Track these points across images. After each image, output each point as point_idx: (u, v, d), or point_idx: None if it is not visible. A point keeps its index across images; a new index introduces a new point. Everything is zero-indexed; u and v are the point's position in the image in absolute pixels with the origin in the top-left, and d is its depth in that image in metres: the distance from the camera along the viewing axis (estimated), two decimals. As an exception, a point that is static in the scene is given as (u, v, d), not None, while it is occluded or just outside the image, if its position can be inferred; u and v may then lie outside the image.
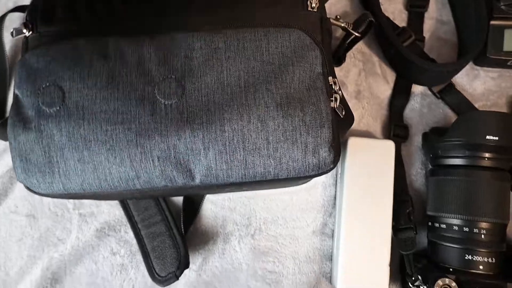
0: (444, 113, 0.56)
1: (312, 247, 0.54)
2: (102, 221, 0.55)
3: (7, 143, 0.40)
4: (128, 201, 0.52)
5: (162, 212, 0.51)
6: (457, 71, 0.54)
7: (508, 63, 0.54)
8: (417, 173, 0.54)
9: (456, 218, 0.46)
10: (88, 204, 0.56)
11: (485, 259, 0.44)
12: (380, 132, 0.56)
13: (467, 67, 0.56)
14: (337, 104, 0.39)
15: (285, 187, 0.53)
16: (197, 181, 0.37)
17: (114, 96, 0.36)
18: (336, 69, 0.56)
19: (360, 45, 0.57)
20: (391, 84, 0.57)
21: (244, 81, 0.37)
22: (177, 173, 0.37)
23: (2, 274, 0.53)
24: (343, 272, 0.50)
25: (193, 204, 0.54)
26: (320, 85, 0.38)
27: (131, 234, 0.54)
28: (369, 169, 0.51)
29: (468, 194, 0.46)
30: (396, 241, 0.50)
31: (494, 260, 0.45)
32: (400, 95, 0.56)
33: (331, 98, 0.39)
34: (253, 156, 0.37)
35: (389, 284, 0.52)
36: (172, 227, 0.51)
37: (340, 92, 0.40)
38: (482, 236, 0.45)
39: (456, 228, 0.46)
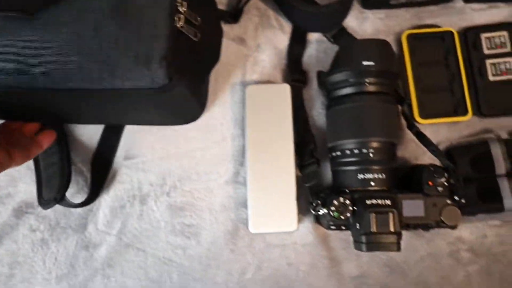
0: (341, 56, 0.59)
1: (227, 196, 0.55)
2: (19, 200, 0.56)
3: None
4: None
5: (61, 147, 0.53)
6: (341, 12, 0.57)
7: (391, 2, 0.58)
8: (318, 114, 0.56)
9: (349, 143, 0.48)
10: (4, 185, 0.56)
11: (376, 176, 0.47)
12: (281, 80, 0.58)
13: (356, 11, 0.59)
14: (181, 24, 0.41)
15: (155, 122, 0.56)
16: (40, 82, 0.40)
17: None
18: (235, 26, 0.59)
19: (254, 1, 0.60)
20: (288, 35, 0.59)
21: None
22: (19, 72, 0.40)
23: None
24: (253, 215, 0.51)
25: (107, 152, 0.56)
26: (163, 3, 0.40)
27: (50, 209, 0.54)
28: (269, 113, 0.53)
29: (356, 118, 0.48)
30: (302, 177, 0.52)
31: (384, 175, 0.47)
32: (297, 44, 0.59)
33: (175, 17, 0.41)
34: (88, 60, 0.39)
35: (302, 220, 0.54)
36: (63, 158, 0.53)
37: (190, 16, 0.42)
38: (371, 155, 0.47)
39: (349, 152, 0.48)
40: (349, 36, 0.58)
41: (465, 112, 0.55)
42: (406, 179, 0.50)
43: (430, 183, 0.46)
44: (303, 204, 0.53)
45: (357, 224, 0.44)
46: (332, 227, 0.47)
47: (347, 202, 0.45)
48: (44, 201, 0.52)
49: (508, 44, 0.56)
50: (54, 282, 0.54)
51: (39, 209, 0.55)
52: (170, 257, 0.54)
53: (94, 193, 0.55)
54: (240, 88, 0.57)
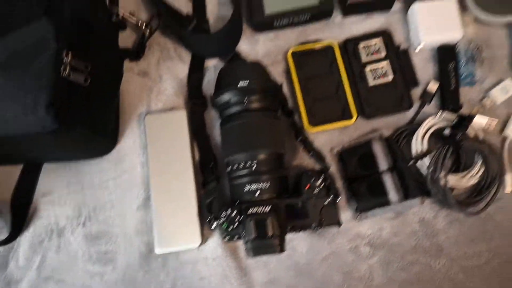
0: (238, 78, 0.64)
1: (140, 221, 0.58)
2: None
3: None
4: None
5: None
6: (231, 38, 0.62)
7: (275, 24, 0.63)
8: (219, 134, 0.61)
9: (237, 157, 0.52)
10: None
11: (261, 186, 0.50)
12: (183, 106, 0.62)
13: (248, 35, 0.65)
14: (67, 73, 0.45)
15: (68, 157, 0.60)
16: None
17: None
18: (140, 64, 0.64)
19: (155, 37, 0.65)
20: (188, 64, 0.64)
21: None
22: None
23: None
24: (158, 236, 0.55)
25: (25, 191, 0.59)
26: (47, 55, 0.45)
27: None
28: (167, 139, 0.58)
29: (241, 134, 0.53)
30: (203, 194, 0.56)
31: (270, 184, 0.51)
32: (195, 71, 0.63)
33: (60, 68, 0.45)
34: None
35: (212, 235, 0.57)
36: None
37: (76, 64, 0.46)
38: (255, 166, 0.51)
39: (237, 166, 0.52)
40: (241, 59, 0.63)
41: (350, 116, 0.60)
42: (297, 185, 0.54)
43: (307, 186, 0.50)
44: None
45: (243, 233, 0.48)
46: (227, 238, 0.51)
47: (234, 213, 0.49)
48: None
49: (383, 50, 0.62)
50: (-21, 322, 0.56)
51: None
52: (89, 285, 0.57)
53: (15, 232, 0.58)
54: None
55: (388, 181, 0.55)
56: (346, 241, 0.57)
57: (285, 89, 0.62)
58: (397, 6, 0.65)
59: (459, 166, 0.58)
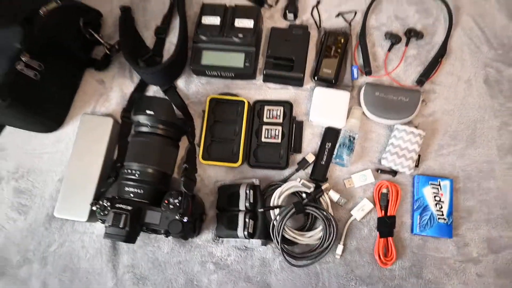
0: (168, 105, 0.80)
1: (56, 190, 0.76)
2: None
3: None
4: None
5: None
6: (170, 75, 0.79)
7: (207, 73, 0.79)
8: (135, 143, 0.77)
9: (129, 164, 0.68)
10: None
11: (135, 190, 0.66)
12: (119, 114, 0.79)
13: (187, 75, 0.81)
14: (20, 67, 0.63)
15: (15, 125, 0.78)
16: None
17: None
18: (101, 74, 0.82)
19: (119, 56, 0.83)
20: (135, 84, 0.81)
21: None
22: None
23: None
24: (59, 204, 0.71)
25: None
26: (10, 52, 0.63)
27: None
28: (92, 136, 0.75)
29: (139, 148, 0.69)
30: (101, 184, 0.72)
31: (143, 191, 0.66)
32: (137, 92, 0.81)
33: (17, 62, 0.63)
34: None
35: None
36: None
37: (30, 62, 0.65)
38: (136, 175, 0.67)
39: (127, 171, 0.68)
40: (174, 92, 0.80)
41: (237, 161, 0.74)
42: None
43: (166, 201, 0.65)
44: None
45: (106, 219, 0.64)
46: (100, 221, 0.67)
47: (107, 204, 0.65)
48: None
49: (281, 117, 0.76)
50: None
51: None
52: (3, 225, 0.75)
53: (-31, 171, 0.77)
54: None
55: (241, 220, 0.68)
56: (199, 255, 0.72)
57: (198, 125, 0.78)
58: (310, 85, 0.79)
59: (305, 226, 0.71)
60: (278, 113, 0.77)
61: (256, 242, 0.68)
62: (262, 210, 0.69)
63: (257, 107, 0.77)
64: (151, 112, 0.69)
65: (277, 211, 0.69)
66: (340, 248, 0.69)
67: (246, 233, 0.68)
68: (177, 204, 0.65)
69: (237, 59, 0.78)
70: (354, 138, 0.73)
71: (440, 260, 0.68)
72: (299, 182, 0.71)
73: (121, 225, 0.62)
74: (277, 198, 0.71)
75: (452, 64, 0.77)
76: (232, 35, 0.77)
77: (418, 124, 0.73)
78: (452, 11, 0.79)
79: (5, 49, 0.64)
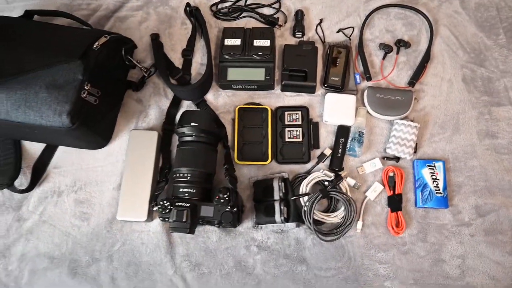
0: (201, 117, 0.93)
1: (112, 198, 0.87)
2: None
3: None
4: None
5: (16, 152, 0.89)
6: (201, 91, 0.92)
7: (233, 87, 0.93)
8: (177, 151, 0.90)
9: (181, 169, 0.81)
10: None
11: (190, 190, 0.79)
12: (160, 129, 0.92)
13: (214, 89, 0.94)
14: (85, 95, 0.75)
15: (74, 145, 0.89)
16: (2, 116, 0.74)
17: None
18: (138, 94, 0.94)
19: (152, 78, 0.95)
20: (170, 100, 0.94)
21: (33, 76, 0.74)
22: None
23: None
24: (120, 208, 0.83)
25: (43, 162, 0.90)
26: (75, 83, 0.74)
27: (0, 194, 0.87)
28: (142, 148, 0.87)
29: (186, 156, 0.82)
30: (155, 188, 0.85)
31: (195, 191, 0.79)
32: (173, 107, 0.93)
33: (82, 91, 0.75)
34: (29, 108, 0.73)
35: (156, 217, 0.85)
36: (17, 159, 0.88)
37: (91, 90, 0.76)
38: (189, 177, 0.79)
39: (179, 174, 0.81)
40: (205, 105, 0.93)
41: (267, 159, 0.88)
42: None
43: (217, 197, 0.78)
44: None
45: (170, 216, 0.76)
46: (161, 218, 0.79)
47: (167, 204, 0.77)
48: None
49: (300, 119, 0.90)
50: (-6, 240, 0.85)
51: (-8, 192, 0.87)
52: (69, 232, 0.85)
53: (31, 187, 0.88)
54: (132, 130, 0.91)
55: (277, 207, 0.82)
56: (243, 241, 0.85)
57: (229, 131, 0.91)
58: (320, 91, 0.94)
59: (330, 208, 0.86)
60: (297, 117, 0.91)
61: (290, 225, 0.82)
62: (294, 198, 0.83)
63: (279, 112, 0.92)
64: (195, 124, 0.82)
65: (305, 198, 0.84)
66: (359, 223, 0.84)
67: (282, 218, 0.81)
68: (226, 198, 0.78)
69: (258, 74, 0.92)
70: (362, 133, 0.88)
71: (440, 226, 0.84)
72: (322, 172, 0.86)
73: (184, 219, 0.75)
74: (305, 187, 0.85)
75: (435, 67, 0.94)
76: (252, 53, 0.91)
77: (413, 118, 0.89)
78: (432, 23, 0.96)
79: (71, 81, 0.75)
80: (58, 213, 0.87)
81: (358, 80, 0.93)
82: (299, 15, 0.98)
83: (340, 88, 0.91)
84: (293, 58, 0.93)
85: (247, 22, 1.00)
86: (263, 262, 0.84)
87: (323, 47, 0.97)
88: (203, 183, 0.81)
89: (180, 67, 0.96)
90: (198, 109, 0.92)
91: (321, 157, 0.89)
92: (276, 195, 0.83)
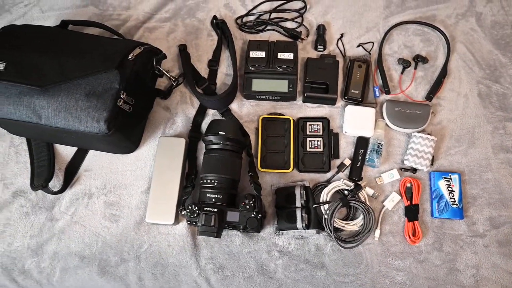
0: (226, 125, 0.97)
1: (140, 201, 0.91)
2: (17, 187, 0.93)
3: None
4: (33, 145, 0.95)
5: (49, 155, 0.93)
6: (227, 100, 0.96)
7: (257, 97, 0.97)
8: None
9: (208, 176, 0.85)
10: (9, 177, 0.93)
11: (217, 196, 0.83)
12: (186, 135, 0.96)
13: (239, 99, 0.99)
14: (120, 103, 0.79)
15: (105, 150, 0.94)
16: (43, 122, 0.78)
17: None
18: (166, 102, 0.98)
19: (180, 87, 0.99)
20: (196, 109, 0.98)
21: (74, 84, 0.79)
22: (33, 115, 0.78)
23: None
24: (149, 212, 0.87)
25: (75, 165, 0.94)
26: (112, 92, 0.79)
27: (34, 194, 0.91)
28: (169, 154, 0.91)
29: (213, 163, 0.85)
30: (183, 193, 0.88)
31: (222, 196, 0.83)
32: (199, 115, 0.97)
33: (117, 100, 0.79)
34: (69, 115, 0.77)
35: (183, 221, 0.89)
36: (50, 162, 0.92)
37: (126, 99, 0.80)
38: (216, 183, 0.83)
39: (206, 180, 0.84)
40: (230, 114, 0.97)
41: (289, 168, 0.91)
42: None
43: (243, 203, 0.82)
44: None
45: (198, 220, 0.80)
46: (188, 222, 0.83)
47: (195, 208, 0.81)
48: (34, 186, 0.90)
49: (320, 130, 0.94)
50: (28, 238, 0.89)
51: (28, 194, 0.92)
52: (99, 232, 0.89)
53: (63, 188, 0.92)
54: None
55: (298, 214, 0.86)
56: (265, 245, 0.88)
57: (253, 139, 0.95)
58: (340, 103, 0.97)
59: (349, 216, 0.89)
60: (318, 127, 0.95)
61: (311, 232, 0.86)
62: (315, 206, 0.87)
63: (301, 123, 0.95)
64: (223, 132, 0.86)
65: (326, 206, 0.87)
66: (377, 232, 0.88)
67: (303, 225, 0.85)
68: (252, 204, 0.82)
69: (282, 85, 0.96)
70: (381, 145, 0.92)
71: (455, 236, 0.88)
72: (342, 181, 0.89)
73: (212, 224, 0.79)
74: (325, 195, 0.88)
75: (452, 83, 0.98)
76: (276, 65, 0.96)
77: (430, 131, 0.93)
78: (449, 39, 0.99)
79: (108, 90, 0.79)
80: (88, 214, 0.91)
81: (377, 94, 0.97)
82: (321, 30, 1.02)
83: (360, 100, 0.95)
84: (315, 71, 0.97)
85: (271, 35, 1.04)
86: (284, 266, 0.87)
87: (343, 61, 1.01)
88: (229, 189, 0.85)
89: (206, 76, 1.01)
90: (224, 118, 0.96)
91: (341, 166, 0.92)
92: (298, 203, 0.87)
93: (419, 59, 0.99)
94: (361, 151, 0.92)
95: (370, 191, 0.90)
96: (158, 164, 0.90)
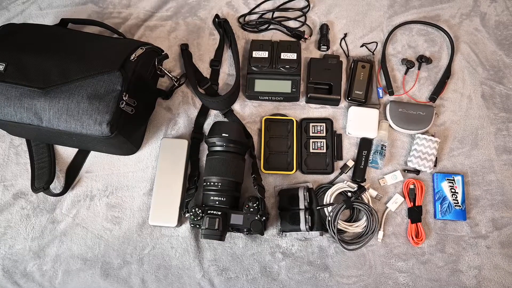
0: (228, 126, 0.96)
1: (142, 203, 0.91)
2: (17, 189, 0.92)
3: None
4: (33, 147, 0.93)
5: (50, 157, 0.92)
6: (229, 101, 0.95)
7: (260, 98, 0.96)
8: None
9: (211, 178, 0.84)
10: (9, 179, 0.92)
11: (220, 198, 0.82)
12: (188, 137, 0.95)
13: (241, 100, 0.98)
14: (123, 106, 0.78)
15: (107, 151, 0.93)
16: (44, 124, 0.77)
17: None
18: (167, 102, 0.97)
19: (181, 87, 0.98)
20: (198, 110, 0.97)
21: (76, 85, 0.78)
22: (34, 117, 0.77)
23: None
24: (151, 214, 0.86)
25: (76, 166, 0.93)
26: (115, 94, 0.77)
27: (35, 196, 0.90)
28: (172, 156, 0.90)
29: (216, 165, 0.85)
30: (186, 195, 0.88)
31: (225, 199, 0.82)
32: (201, 116, 0.97)
33: (120, 102, 0.78)
34: (70, 117, 0.76)
35: (186, 222, 0.89)
36: (51, 164, 0.91)
37: (128, 101, 0.79)
38: (219, 186, 0.83)
39: (210, 183, 0.84)
40: (232, 115, 0.96)
41: (292, 169, 0.91)
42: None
43: (247, 205, 0.81)
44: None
45: (202, 224, 0.80)
46: (192, 225, 0.82)
47: (199, 211, 0.80)
48: (35, 189, 0.88)
49: (324, 131, 0.94)
50: (30, 241, 0.89)
51: (29, 195, 0.91)
52: (101, 235, 0.89)
53: (64, 190, 0.91)
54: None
55: (302, 216, 0.86)
56: (269, 247, 0.88)
57: (256, 141, 0.94)
58: (344, 104, 0.97)
59: (352, 217, 0.89)
60: (322, 129, 0.94)
61: (315, 233, 0.86)
62: (319, 207, 0.87)
63: (304, 124, 0.95)
64: (226, 134, 0.85)
65: (330, 208, 0.87)
66: (380, 233, 0.88)
67: (307, 226, 0.85)
68: (255, 207, 0.82)
69: (285, 86, 0.95)
70: (384, 146, 0.92)
71: (458, 237, 0.88)
72: (345, 183, 0.89)
73: (216, 227, 0.78)
74: (329, 197, 0.88)
75: (455, 83, 0.97)
76: (280, 66, 0.95)
77: (434, 133, 0.93)
78: (453, 40, 0.99)
79: (111, 92, 0.78)
80: (90, 217, 0.90)
81: (380, 94, 0.96)
82: (324, 29, 1.01)
83: (364, 101, 0.95)
84: (318, 71, 0.96)
85: (273, 34, 1.03)
86: (288, 268, 0.87)
87: (347, 61, 1.00)
88: (233, 191, 0.84)
89: (208, 77, 1.00)
90: (228, 120, 0.95)
91: (344, 168, 0.92)
92: (301, 204, 0.87)
93: (423, 60, 0.98)
94: (365, 153, 0.92)
95: (374, 193, 0.90)
96: (160, 166, 0.90)
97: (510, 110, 0.95)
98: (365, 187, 0.89)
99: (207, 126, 0.96)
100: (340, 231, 0.88)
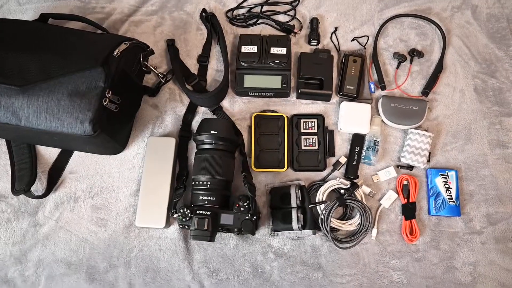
0: (217, 123, 0.93)
1: (129, 204, 0.87)
2: (-3, 192, 0.88)
3: None
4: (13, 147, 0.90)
5: (31, 157, 0.89)
6: (218, 98, 0.92)
7: (249, 94, 0.93)
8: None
9: (200, 177, 0.81)
10: (-11, 181, 0.88)
11: (209, 198, 0.79)
12: (176, 135, 0.92)
13: (230, 96, 0.95)
14: (106, 103, 0.75)
15: (91, 151, 0.90)
16: (22, 123, 0.73)
17: None
18: (154, 99, 0.94)
19: (168, 84, 0.95)
20: (186, 107, 0.94)
21: (55, 82, 0.74)
22: (11, 116, 0.73)
23: None
24: (138, 216, 0.83)
25: (59, 167, 0.90)
26: (97, 91, 0.74)
27: (15, 199, 0.86)
28: (159, 155, 0.87)
29: (205, 163, 0.82)
30: (174, 195, 0.85)
31: (215, 198, 0.80)
32: (189, 113, 0.94)
33: (103, 99, 0.74)
34: (50, 116, 0.73)
35: (174, 224, 0.86)
36: (32, 165, 0.88)
37: (112, 98, 0.76)
38: (208, 185, 0.80)
39: (198, 182, 0.81)
40: (221, 111, 0.93)
41: (283, 167, 0.89)
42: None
43: (237, 205, 0.79)
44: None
45: (190, 224, 0.77)
46: (180, 226, 0.80)
47: (187, 211, 0.78)
48: (16, 191, 0.85)
49: (316, 127, 0.91)
50: (10, 245, 0.85)
51: (9, 198, 0.87)
52: (86, 237, 0.85)
53: (47, 192, 0.87)
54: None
55: (294, 215, 0.83)
56: (260, 247, 0.86)
57: (245, 138, 0.91)
58: (335, 99, 0.95)
59: (345, 215, 0.87)
60: (313, 125, 0.92)
61: (307, 232, 0.83)
62: (311, 206, 0.84)
63: (295, 120, 0.92)
64: (215, 132, 0.82)
65: (322, 205, 0.85)
66: (374, 231, 0.86)
67: (299, 225, 0.82)
68: (246, 206, 0.79)
69: (275, 81, 0.92)
70: (377, 142, 0.90)
71: (452, 234, 0.87)
72: (338, 180, 0.87)
73: (205, 228, 0.76)
74: (321, 194, 0.86)
75: (448, 77, 0.96)
76: (269, 61, 0.92)
77: (427, 127, 0.91)
78: (445, 33, 0.97)
79: (93, 89, 0.75)
80: (74, 219, 0.86)
81: (372, 89, 0.94)
82: (315, 23, 0.98)
83: (355, 96, 0.93)
84: (309, 66, 0.94)
85: (262, 29, 1.01)
86: (280, 268, 0.85)
87: (338, 56, 0.98)
88: (222, 190, 0.82)
89: (195, 73, 0.97)
90: (217, 117, 0.92)
91: (337, 165, 0.90)
92: (293, 203, 0.84)
93: (415, 53, 0.96)
94: (357, 149, 0.90)
95: (367, 190, 0.88)
96: (147, 165, 0.86)
97: (503, 103, 0.94)
98: (358, 184, 0.87)
99: (195, 123, 0.93)
100: (333, 229, 0.86)
